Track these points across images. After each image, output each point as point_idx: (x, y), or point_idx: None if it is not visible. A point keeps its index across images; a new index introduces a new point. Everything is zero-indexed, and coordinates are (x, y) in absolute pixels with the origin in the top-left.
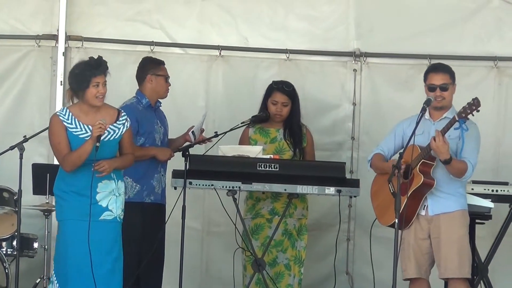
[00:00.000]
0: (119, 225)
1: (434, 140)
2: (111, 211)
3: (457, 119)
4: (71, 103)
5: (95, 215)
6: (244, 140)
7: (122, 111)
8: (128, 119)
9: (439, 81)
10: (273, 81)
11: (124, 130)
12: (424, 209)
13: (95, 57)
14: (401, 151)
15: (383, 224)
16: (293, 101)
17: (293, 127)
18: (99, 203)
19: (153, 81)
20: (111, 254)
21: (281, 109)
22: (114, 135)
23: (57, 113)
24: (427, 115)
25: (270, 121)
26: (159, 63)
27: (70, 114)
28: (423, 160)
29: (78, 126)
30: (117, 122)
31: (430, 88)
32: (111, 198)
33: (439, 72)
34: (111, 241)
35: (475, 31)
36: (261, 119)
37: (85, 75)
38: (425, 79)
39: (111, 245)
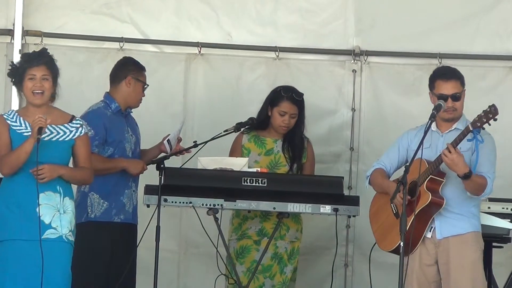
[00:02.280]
0: (66, 246)
1: (445, 154)
2: (55, 229)
3: (471, 129)
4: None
5: (35, 233)
6: (236, 149)
7: (77, 117)
8: (84, 126)
9: (451, 90)
10: (282, 88)
11: (78, 135)
12: (430, 231)
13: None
14: (407, 165)
15: (384, 250)
16: (301, 111)
17: (295, 140)
18: (41, 218)
19: (131, 85)
20: (57, 281)
21: (289, 121)
22: (64, 136)
23: (2, 114)
24: (434, 126)
25: (269, 129)
26: (142, 68)
27: (16, 114)
28: (431, 176)
29: (23, 124)
30: (69, 124)
31: (440, 98)
32: (55, 214)
33: (450, 79)
34: (57, 265)
35: (492, 27)
36: (244, 126)
37: (21, 66)
38: (431, 87)
39: (59, 269)
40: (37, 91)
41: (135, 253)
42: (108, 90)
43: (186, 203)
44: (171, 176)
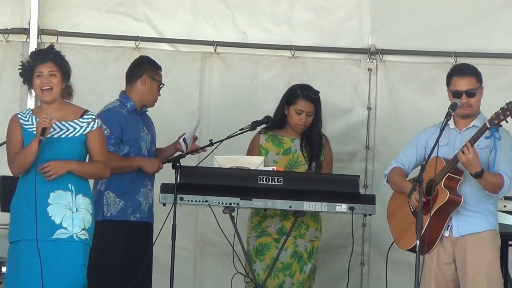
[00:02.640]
0: (78, 246)
1: (463, 152)
2: (65, 228)
3: (488, 126)
4: None
5: (46, 233)
6: (254, 149)
7: (90, 111)
8: (97, 121)
9: (465, 86)
10: (298, 86)
11: (89, 130)
12: (448, 229)
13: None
14: (423, 163)
15: (402, 248)
16: (317, 108)
17: (312, 138)
18: (52, 218)
19: (147, 84)
20: (67, 282)
21: (306, 119)
22: (74, 132)
23: (18, 113)
24: (452, 124)
25: (286, 128)
26: (158, 68)
27: (30, 112)
28: (448, 174)
29: (34, 123)
30: (80, 119)
31: (455, 94)
32: (67, 213)
33: (464, 75)
34: (68, 265)
35: (508, 25)
36: (260, 125)
37: (29, 65)
38: (448, 84)
39: (70, 270)
40: (45, 88)
41: (151, 251)
42: (123, 89)
43: (202, 201)
44: (187, 175)
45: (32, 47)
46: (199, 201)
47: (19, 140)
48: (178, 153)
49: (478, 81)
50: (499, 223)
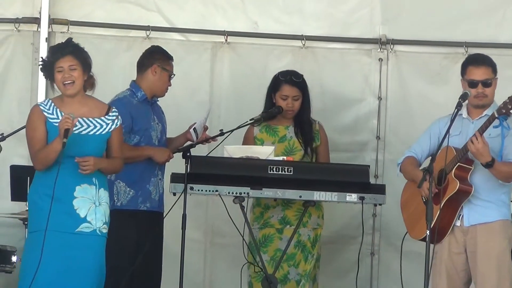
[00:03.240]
0: (100, 240)
1: (472, 142)
2: (89, 222)
3: (496, 116)
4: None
5: (70, 226)
6: (249, 141)
7: (113, 107)
8: (119, 117)
9: (482, 76)
10: (279, 73)
11: (114, 127)
12: (459, 219)
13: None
14: (433, 153)
15: (414, 238)
16: (304, 93)
17: (303, 124)
18: (77, 211)
19: (157, 73)
20: (89, 275)
21: (292, 104)
22: (101, 130)
23: (38, 103)
24: (464, 113)
25: (278, 117)
26: (169, 58)
27: (52, 104)
28: (459, 163)
29: (59, 116)
30: (106, 116)
31: (471, 84)
32: (91, 207)
33: (481, 65)
34: (90, 259)
35: None
36: (274, 115)
37: (49, 61)
38: (463, 73)
39: (91, 264)
40: (67, 82)
41: (161, 240)
42: (134, 79)
43: (212, 191)
44: (197, 165)
45: (43, 36)
46: (209, 190)
47: (43, 135)
48: (189, 142)
49: (494, 72)
50: None
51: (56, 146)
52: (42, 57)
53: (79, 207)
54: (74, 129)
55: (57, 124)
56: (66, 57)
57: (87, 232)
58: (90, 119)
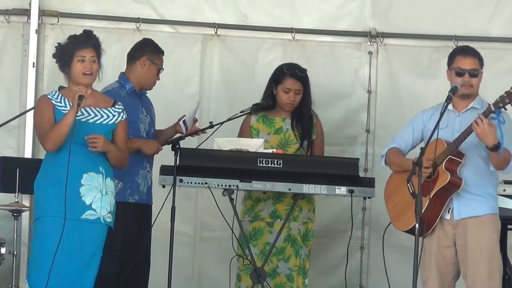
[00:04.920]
0: (103, 229)
1: (477, 123)
2: (94, 210)
3: (493, 109)
4: (46, 89)
5: (75, 212)
6: (245, 130)
7: (119, 102)
8: (125, 111)
9: (469, 65)
10: (284, 65)
11: (120, 119)
12: (449, 212)
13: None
14: (422, 147)
15: (399, 229)
16: (305, 87)
17: (303, 116)
18: (82, 199)
19: (146, 66)
20: (88, 262)
21: (294, 97)
22: (108, 120)
23: (46, 94)
24: (450, 106)
25: (277, 109)
26: (160, 52)
27: (60, 94)
28: (450, 156)
29: (67, 105)
30: (113, 108)
31: (458, 73)
32: (96, 195)
33: (468, 55)
34: (92, 247)
35: (508, 9)
36: (264, 107)
37: (68, 48)
38: (450, 62)
39: (91, 251)
40: (87, 73)
41: (150, 233)
42: (123, 71)
43: (202, 183)
44: (186, 157)
45: (33, 28)
46: (199, 183)
47: (52, 118)
48: (178, 135)
49: (480, 64)
50: (499, 207)
51: (68, 118)
52: (59, 43)
53: (85, 194)
54: (82, 117)
55: (65, 112)
56: (89, 49)
57: (91, 219)
58: (98, 108)
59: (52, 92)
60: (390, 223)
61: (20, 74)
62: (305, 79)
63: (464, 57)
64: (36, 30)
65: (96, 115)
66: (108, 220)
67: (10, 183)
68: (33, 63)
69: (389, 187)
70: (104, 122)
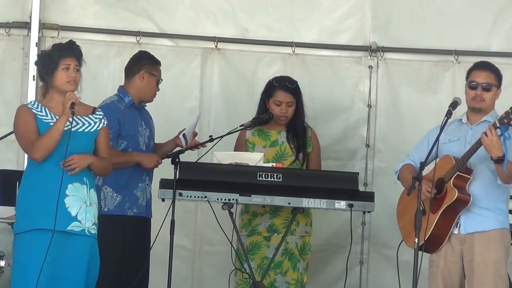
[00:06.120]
0: (88, 241)
1: (486, 134)
2: (80, 222)
3: (498, 125)
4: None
5: (61, 224)
6: (241, 143)
7: (98, 108)
8: (104, 117)
9: (482, 79)
10: (274, 78)
11: (101, 126)
12: (457, 227)
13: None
14: (422, 161)
15: (410, 247)
16: (298, 99)
17: (297, 129)
18: (68, 210)
19: (144, 79)
20: (76, 275)
21: (286, 109)
22: (90, 127)
23: (25, 104)
24: (464, 118)
25: (271, 122)
26: (156, 63)
27: (39, 104)
28: (458, 173)
29: (49, 115)
30: (93, 115)
31: (471, 86)
32: (82, 206)
33: (483, 70)
34: (78, 259)
35: (508, 24)
36: (264, 121)
37: (53, 56)
38: (467, 76)
39: (78, 263)
40: (71, 81)
41: (149, 246)
42: (122, 84)
43: (201, 197)
44: (186, 170)
45: (33, 41)
46: (198, 197)
47: (35, 127)
48: (178, 148)
49: (497, 80)
50: (510, 223)
51: (59, 125)
52: (43, 50)
53: (70, 206)
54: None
55: (46, 121)
56: (74, 58)
57: (77, 231)
58: (78, 116)
59: (31, 102)
60: (402, 241)
61: (20, 87)
62: (296, 91)
63: (479, 71)
64: (37, 43)
65: (77, 123)
66: (93, 231)
67: (9, 196)
68: (33, 76)
69: (400, 204)
70: (86, 130)
